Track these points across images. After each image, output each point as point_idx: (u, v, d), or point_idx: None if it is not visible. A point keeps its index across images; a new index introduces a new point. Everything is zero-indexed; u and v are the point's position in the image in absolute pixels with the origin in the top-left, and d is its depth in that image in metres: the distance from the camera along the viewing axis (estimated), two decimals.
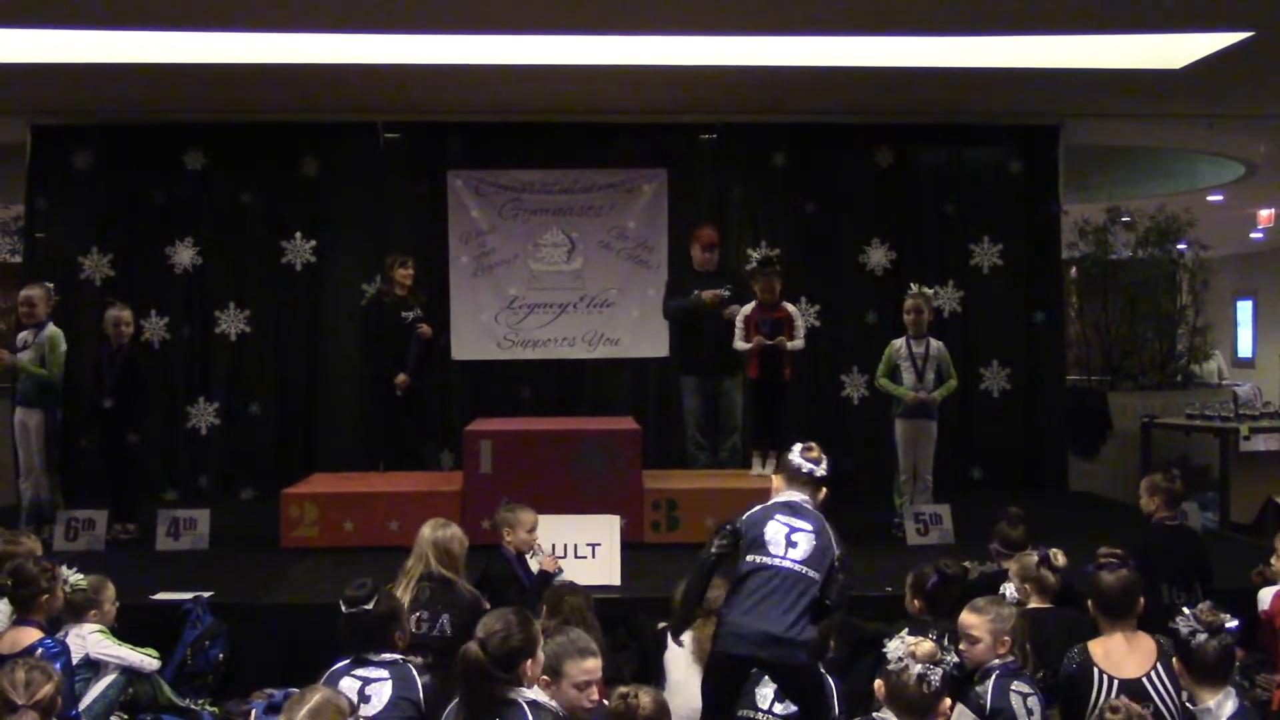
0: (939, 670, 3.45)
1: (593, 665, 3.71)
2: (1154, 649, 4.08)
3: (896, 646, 3.50)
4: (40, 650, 4.15)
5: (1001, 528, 5.70)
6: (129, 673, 4.76)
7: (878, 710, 3.52)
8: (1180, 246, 12.05)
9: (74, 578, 4.77)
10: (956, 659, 3.54)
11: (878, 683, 3.57)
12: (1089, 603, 4.33)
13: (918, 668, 3.43)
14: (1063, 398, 10.34)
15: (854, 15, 7.43)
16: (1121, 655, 4.09)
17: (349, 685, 3.86)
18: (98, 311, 8.33)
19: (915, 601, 4.90)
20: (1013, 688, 3.96)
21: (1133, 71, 8.45)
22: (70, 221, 9.80)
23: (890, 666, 3.48)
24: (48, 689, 3.39)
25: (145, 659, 4.82)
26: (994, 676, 4.02)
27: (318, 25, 7.63)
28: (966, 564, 5.26)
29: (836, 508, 7.74)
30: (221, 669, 5.59)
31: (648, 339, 9.73)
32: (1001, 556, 5.59)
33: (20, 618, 4.48)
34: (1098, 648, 4.15)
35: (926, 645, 3.48)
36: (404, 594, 4.86)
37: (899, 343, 7.93)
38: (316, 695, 3.21)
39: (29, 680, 3.38)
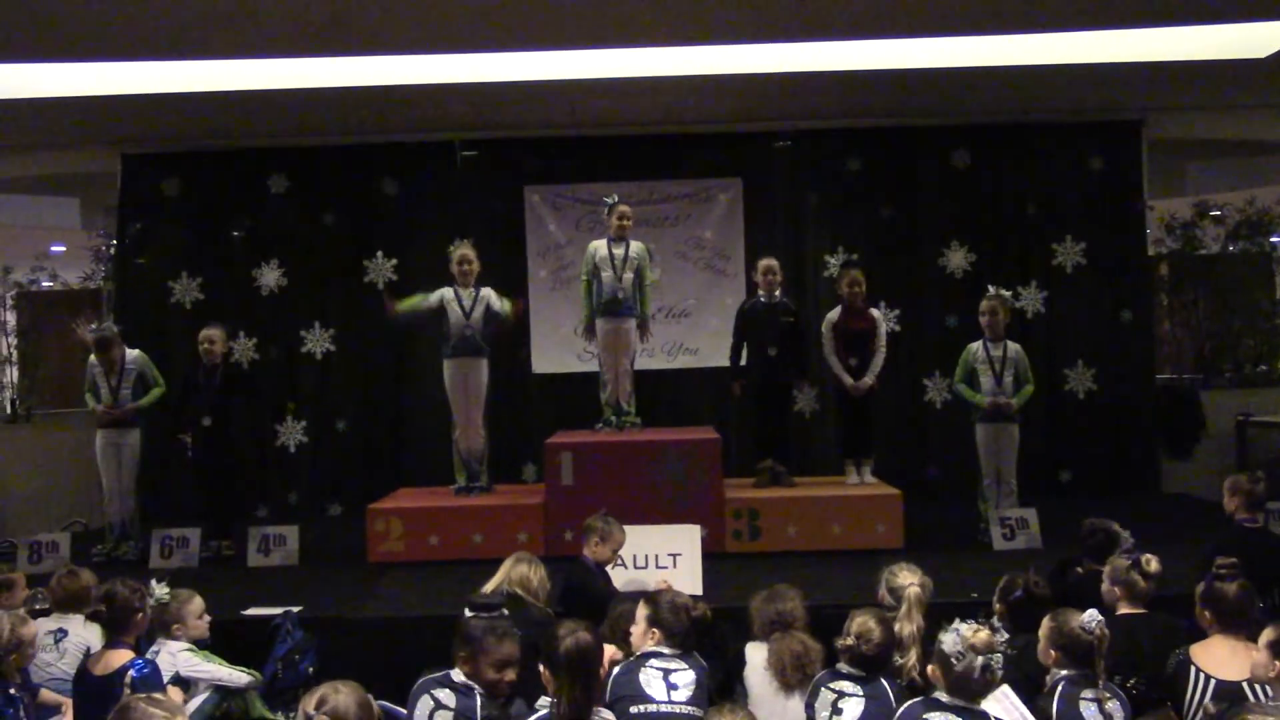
0: (999, 655, 3.50)
1: (510, 650, 3.93)
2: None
3: (954, 640, 3.49)
4: (131, 671, 4.23)
5: (1081, 533, 5.55)
6: (221, 689, 4.85)
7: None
8: (1274, 239, 11.73)
9: (159, 591, 4.86)
10: (1007, 635, 3.55)
11: (932, 669, 3.58)
12: (1205, 609, 4.23)
13: (980, 659, 3.46)
14: (1153, 397, 10.11)
15: (929, 16, 7.37)
16: (1224, 658, 4.03)
17: (425, 703, 3.89)
18: (188, 334, 8.56)
19: (999, 606, 4.83)
20: (1082, 695, 3.88)
21: (1215, 62, 8.25)
22: (160, 247, 10.10)
23: (954, 663, 3.49)
24: None
25: (235, 674, 4.90)
26: (1060, 687, 3.94)
27: (393, 48, 7.77)
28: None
29: (923, 513, 7.83)
30: (312, 682, 5.64)
31: (727, 348, 9.70)
32: (1086, 563, 5.46)
33: (113, 639, 4.59)
34: (1200, 649, 4.11)
35: (983, 634, 3.50)
36: None
37: (976, 346, 7.84)
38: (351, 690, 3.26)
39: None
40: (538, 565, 5.22)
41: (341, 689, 3.23)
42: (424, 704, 3.85)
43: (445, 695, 3.85)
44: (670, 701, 3.98)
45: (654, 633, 4.24)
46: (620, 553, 5.87)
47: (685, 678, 4.08)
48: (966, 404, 7.92)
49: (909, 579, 4.63)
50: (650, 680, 4.06)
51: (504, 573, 5.16)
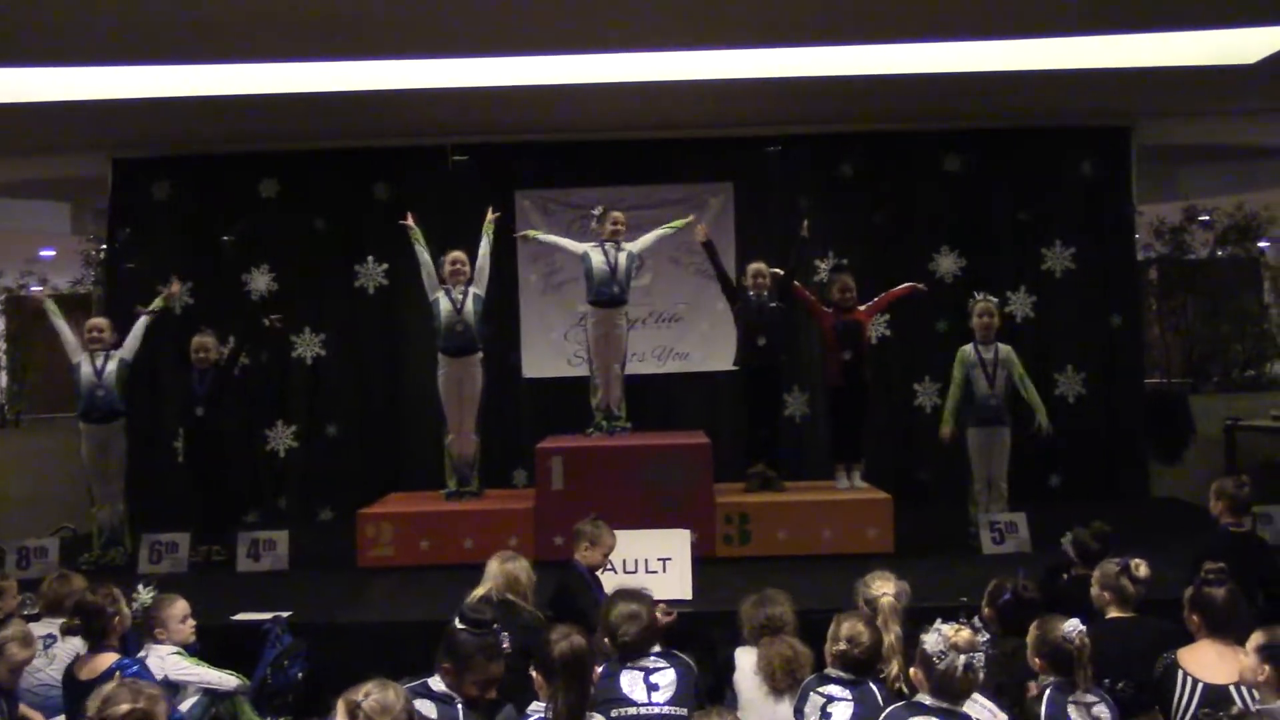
0: (981, 654, 3.50)
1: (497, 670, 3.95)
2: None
3: (935, 640, 3.49)
4: (120, 671, 4.22)
5: (1081, 536, 5.57)
6: (210, 693, 4.84)
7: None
8: (1261, 244, 11.78)
9: (145, 595, 4.86)
10: (989, 635, 3.56)
11: (914, 672, 3.58)
12: (1193, 614, 4.24)
13: (963, 658, 3.46)
14: (1142, 401, 10.14)
15: (920, 22, 7.38)
16: (1212, 662, 4.04)
17: None
18: (177, 339, 8.54)
19: (987, 609, 4.84)
20: (1070, 700, 3.88)
21: (1204, 68, 8.28)
22: (150, 251, 10.06)
23: (936, 663, 3.48)
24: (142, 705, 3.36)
25: (224, 678, 4.89)
26: (1048, 691, 3.94)
27: (385, 52, 7.76)
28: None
29: (913, 518, 7.84)
30: (301, 688, 5.64)
31: (717, 352, 9.70)
32: (1076, 567, 5.47)
33: (95, 645, 4.57)
34: (1187, 653, 4.13)
35: (965, 633, 3.50)
36: None
37: (968, 349, 7.86)
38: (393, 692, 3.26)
39: (113, 696, 3.37)
40: (522, 561, 5.21)
41: (389, 685, 3.25)
42: None
43: (426, 706, 3.81)
44: (650, 703, 3.98)
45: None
46: (611, 557, 5.88)
47: (666, 677, 4.07)
48: (959, 409, 7.89)
49: (882, 588, 4.62)
50: (631, 682, 4.05)
51: (491, 575, 5.14)
